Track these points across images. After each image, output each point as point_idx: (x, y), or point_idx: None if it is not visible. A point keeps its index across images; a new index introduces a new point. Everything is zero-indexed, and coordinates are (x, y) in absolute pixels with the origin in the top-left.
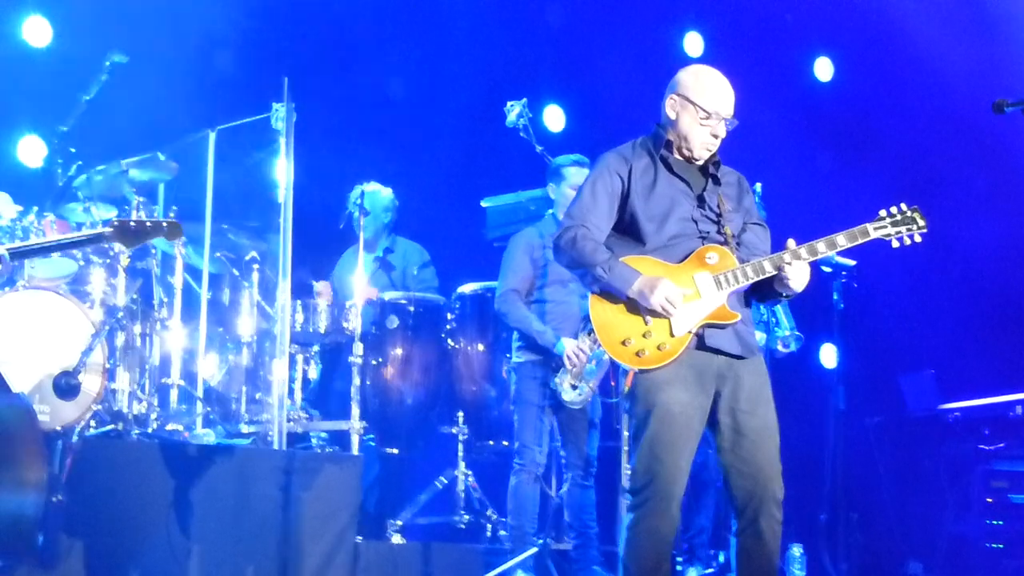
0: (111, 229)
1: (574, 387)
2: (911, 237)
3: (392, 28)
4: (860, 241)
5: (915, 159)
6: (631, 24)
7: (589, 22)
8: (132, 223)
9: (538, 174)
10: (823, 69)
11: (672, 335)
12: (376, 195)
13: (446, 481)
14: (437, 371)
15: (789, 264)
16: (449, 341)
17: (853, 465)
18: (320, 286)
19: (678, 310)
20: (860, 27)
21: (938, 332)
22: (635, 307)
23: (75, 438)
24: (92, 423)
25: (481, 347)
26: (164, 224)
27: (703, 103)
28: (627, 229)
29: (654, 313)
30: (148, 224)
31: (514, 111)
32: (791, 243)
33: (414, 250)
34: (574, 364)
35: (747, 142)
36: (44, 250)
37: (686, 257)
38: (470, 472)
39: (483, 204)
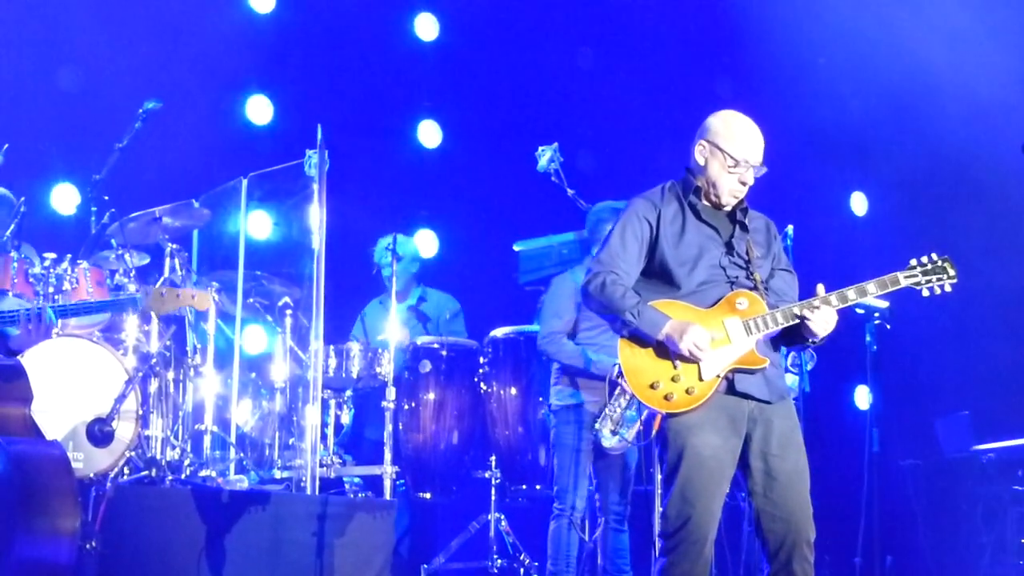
0: (145, 295)
1: (614, 433)
2: (941, 287)
3: (423, 74)
4: (890, 289)
5: (948, 201)
6: (662, 67)
7: (620, 66)
8: (163, 292)
9: (570, 218)
10: (854, 112)
11: (701, 379)
12: (404, 245)
13: (479, 526)
14: (470, 415)
15: (819, 309)
16: (482, 385)
17: (888, 507)
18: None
19: (707, 354)
20: (889, 70)
21: (972, 373)
22: (664, 351)
23: (108, 485)
24: (126, 470)
25: (514, 391)
26: (193, 295)
27: (731, 150)
28: (656, 275)
29: (683, 357)
30: (178, 295)
31: (545, 156)
32: (820, 289)
33: (446, 299)
34: (616, 404)
35: (779, 186)
36: (78, 311)
37: (716, 303)
38: (503, 516)
39: (515, 248)
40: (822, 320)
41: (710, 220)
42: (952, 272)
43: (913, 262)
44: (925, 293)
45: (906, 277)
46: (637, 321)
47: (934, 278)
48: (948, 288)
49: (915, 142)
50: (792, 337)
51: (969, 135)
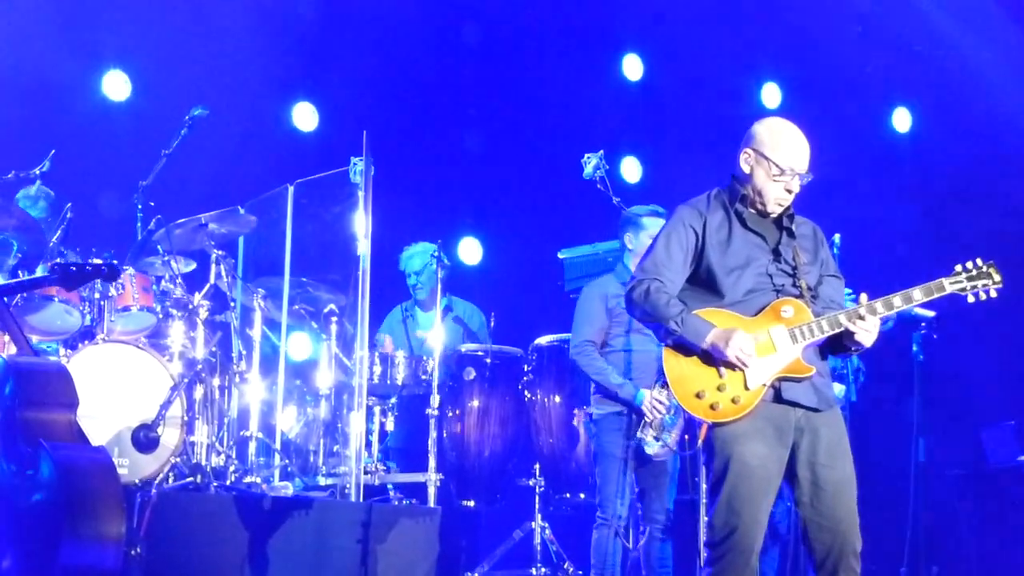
0: (54, 274)
1: (657, 439)
2: (986, 292)
3: (469, 82)
4: (936, 295)
5: (994, 209)
6: (708, 75)
7: (666, 74)
8: (73, 267)
9: (615, 226)
10: (901, 120)
11: (747, 388)
12: (425, 255)
13: (523, 534)
14: (514, 423)
15: (863, 319)
16: (526, 393)
17: (934, 518)
18: (385, 339)
19: (753, 363)
20: (938, 77)
21: (1019, 383)
22: (709, 360)
23: (154, 491)
24: (171, 476)
25: (558, 399)
26: (104, 267)
27: (777, 159)
28: (702, 283)
29: (728, 366)
30: (88, 267)
31: (591, 163)
32: (863, 298)
33: (473, 311)
34: (653, 417)
35: (826, 193)
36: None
37: (761, 311)
38: (547, 525)
39: (560, 256)
40: (867, 329)
41: (756, 228)
42: (997, 277)
43: (958, 268)
44: (971, 299)
45: (951, 283)
46: (681, 329)
47: (979, 283)
48: (993, 294)
49: (963, 150)
50: (835, 345)
51: (1019, 142)
